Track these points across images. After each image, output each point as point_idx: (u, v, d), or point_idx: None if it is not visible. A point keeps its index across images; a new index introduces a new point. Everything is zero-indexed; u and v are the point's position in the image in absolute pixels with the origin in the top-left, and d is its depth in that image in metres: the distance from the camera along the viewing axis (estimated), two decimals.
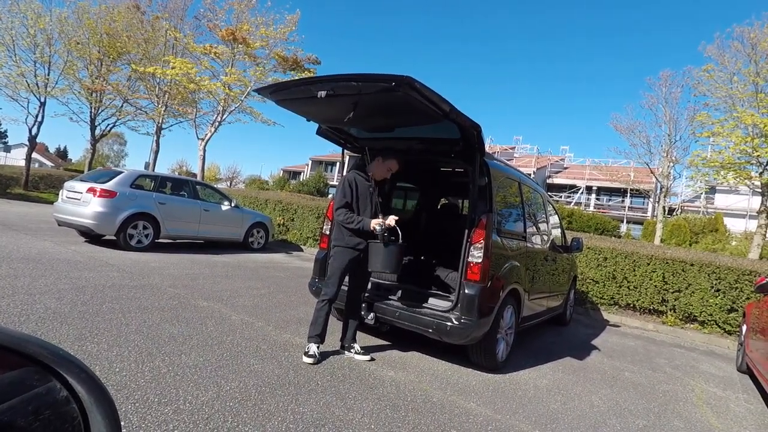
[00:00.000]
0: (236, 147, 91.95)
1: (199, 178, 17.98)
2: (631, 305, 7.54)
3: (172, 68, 16.78)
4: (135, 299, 4.46)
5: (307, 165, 50.09)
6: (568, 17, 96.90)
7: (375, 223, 3.45)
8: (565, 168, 38.72)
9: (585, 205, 32.27)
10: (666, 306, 7.26)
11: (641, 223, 27.44)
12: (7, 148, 36.48)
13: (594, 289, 7.81)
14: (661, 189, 20.23)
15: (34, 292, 4.15)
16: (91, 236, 7.91)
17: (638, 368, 4.82)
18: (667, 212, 21.32)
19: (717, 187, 24.86)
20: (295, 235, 11.71)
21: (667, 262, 7.18)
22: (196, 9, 20.47)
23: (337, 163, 43.75)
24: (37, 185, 20.16)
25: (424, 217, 5.92)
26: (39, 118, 20.63)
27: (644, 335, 6.84)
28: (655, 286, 7.24)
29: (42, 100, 20.41)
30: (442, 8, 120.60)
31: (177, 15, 20.13)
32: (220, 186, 45.96)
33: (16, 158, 40.00)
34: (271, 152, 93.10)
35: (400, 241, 3.54)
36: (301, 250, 11.02)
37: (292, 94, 3.51)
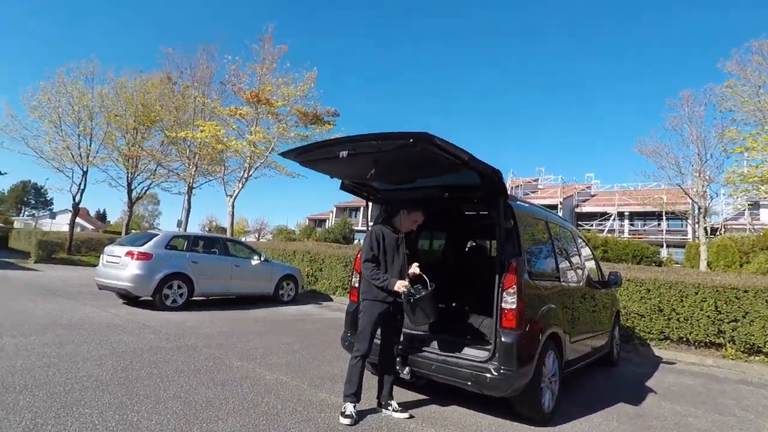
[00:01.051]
0: (262, 199, 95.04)
1: (228, 234, 18.47)
2: (684, 339, 7.05)
3: (202, 131, 17.73)
4: (172, 362, 4.49)
5: (332, 212, 50.88)
6: (581, 41, 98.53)
7: (400, 286, 3.42)
8: (593, 195, 37.89)
9: (619, 232, 31.21)
10: (723, 337, 6.75)
11: (682, 246, 26.18)
12: (53, 215, 38.94)
13: (640, 324, 7.38)
14: (699, 209, 19.40)
15: (77, 359, 4.26)
16: (129, 298, 8.15)
17: (702, 412, 4.43)
18: (709, 233, 20.31)
19: (760, 202, 23.67)
20: (324, 284, 11.73)
21: (717, 290, 6.75)
22: (221, 75, 21.77)
23: (361, 208, 44.30)
24: (79, 249, 21.20)
25: (452, 262, 5.83)
26: (81, 186, 22.06)
27: (704, 372, 6.34)
28: (708, 316, 6.78)
29: (84, 169, 21.88)
30: (461, 39, 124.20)
31: (204, 82, 21.42)
32: (249, 239, 47.07)
33: (61, 223, 42.35)
34: (296, 201, 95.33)
35: (430, 286, 3.48)
36: (331, 300, 10.98)
37: (315, 156, 3.62)
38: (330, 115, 19.28)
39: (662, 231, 30.02)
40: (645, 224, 32.00)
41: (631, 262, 20.15)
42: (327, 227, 41.54)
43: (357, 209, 46.73)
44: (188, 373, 4.18)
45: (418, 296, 3.39)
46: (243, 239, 41.93)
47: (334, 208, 50.44)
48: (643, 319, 7.34)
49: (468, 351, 3.67)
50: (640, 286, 7.40)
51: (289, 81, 18.28)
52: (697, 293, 6.89)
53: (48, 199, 65.15)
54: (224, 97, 20.73)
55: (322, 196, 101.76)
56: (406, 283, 3.43)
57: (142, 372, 4.09)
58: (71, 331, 5.47)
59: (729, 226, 26.11)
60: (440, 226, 6.00)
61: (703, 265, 16.72)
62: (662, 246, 28.83)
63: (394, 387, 3.77)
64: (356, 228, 41.14)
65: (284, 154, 3.85)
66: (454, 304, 4.88)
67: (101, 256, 8.74)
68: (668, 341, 7.20)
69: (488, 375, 3.36)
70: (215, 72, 21.44)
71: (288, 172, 19.90)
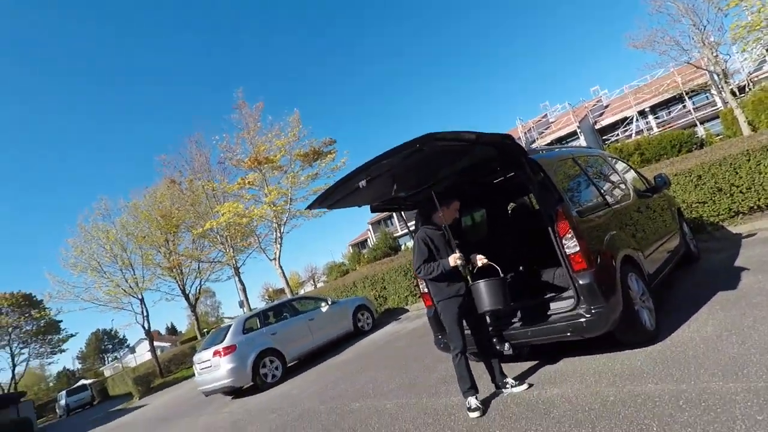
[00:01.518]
0: (302, 247, 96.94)
1: (287, 292, 19.09)
2: (756, 207, 6.82)
3: (222, 215, 18.39)
4: (302, 429, 4.80)
5: (369, 230, 51.36)
6: None
7: (453, 260, 3.48)
8: (607, 106, 36.65)
9: (647, 130, 30.03)
10: None
11: (717, 118, 24.96)
12: (132, 349, 41.47)
13: (706, 210, 7.20)
14: (717, 76, 18.54)
15: None
16: (234, 391, 8.62)
17: None
18: (738, 93, 19.33)
19: None
20: (394, 299, 11.94)
21: (767, 149, 6.52)
22: (216, 156, 22.61)
23: (394, 214, 44.63)
24: (169, 368, 22.39)
25: (502, 230, 5.91)
26: (144, 313, 23.32)
27: None
28: None
29: (139, 297, 23.12)
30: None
31: (204, 169, 22.27)
32: (307, 288, 47.99)
33: (142, 353, 44.72)
34: (334, 234, 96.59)
35: (501, 275, 3.60)
36: (407, 311, 11.18)
37: (337, 196, 3.87)
38: (328, 145, 19.70)
39: (690, 111, 28.64)
40: (670, 112, 30.60)
41: (672, 153, 19.41)
42: (371, 246, 42.00)
43: (390, 217, 47.16)
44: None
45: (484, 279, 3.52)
46: (302, 291, 42.97)
47: (369, 225, 50.95)
48: (706, 205, 7.17)
49: (554, 305, 3.78)
50: (690, 176, 7.24)
51: (277, 132, 18.76)
52: (749, 160, 6.67)
53: (121, 337, 68.84)
54: (227, 174, 21.50)
55: (355, 218, 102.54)
56: (458, 254, 3.49)
57: None
58: None
59: (755, 79, 24.74)
60: (477, 204, 6.09)
61: (745, 128, 15.96)
62: (695, 126, 27.56)
63: (503, 365, 3.91)
64: (397, 235, 41.41)
65: (310, 207, 4.13)
66: (521, 268, 4.98)
67: (194, 366, 9.26)
68: (740, 216, 6.98)
69: (582, 320, 3.47)
70: (209, 156, 22.29)
71: (314, 214, 20.40)
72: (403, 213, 5.03)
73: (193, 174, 22.16)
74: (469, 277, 3.64)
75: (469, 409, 3.46)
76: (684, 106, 28.93)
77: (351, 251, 49.47)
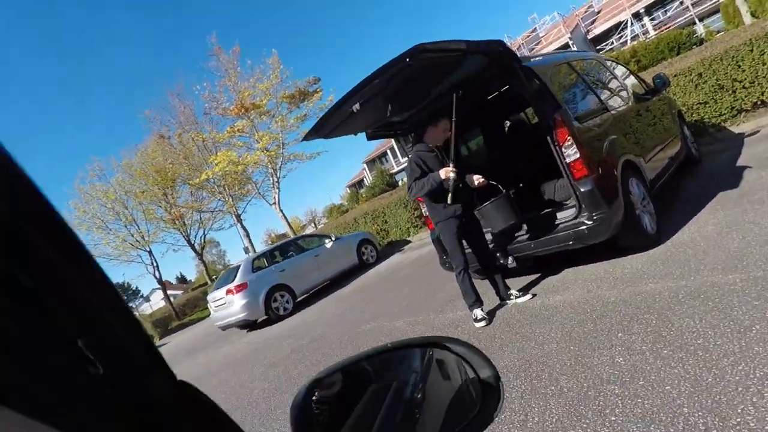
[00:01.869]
0: (301, 192, 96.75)
1: (291, 235, 19.37)
2: (759, 102, 6.63)
3: (217, 164, 18.18)
4: (318, 350, 5.06)
5: (364, 169, 50.98)
6: None
7: (445, 172, 3.38)
8: (599, 12, 34.70)
9: (643, 34, 28.65)
10: None
11: (718, 12, 23.66)
12: (147, 299, 43.09)
13: (706, 111, 7.02)
14: None
15: (267, 382, 4.92)
16: (249, 325, 9.03)
17: None
18: None
19: None
20: (395, 232, 12.11)
21: None
22: (200, 106, 22.00)
23: (388, 151, 44.15)
24: (184, 312, 23.39)
25: (500, 149, 5.80)
26: (154, 264, 23.99)
27: None
28: None
29: (147, 249, 23.68)
30: None
31: (191, 121, 21.86)
32: (309, 230, 48.75)
33: (156, 301, 46.49)
34: (330, 175, 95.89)
35: (503, 191, 3.58)
36: (410, 241, 11.37)
37: (332, 123, 3.73)
38: (313, 84, 18.98)
39: (687, 8, 27.10)
40: (666, 11, 28.97)
41: (670, 57, 18.67)
42: (368, 184, 41.95)
43: (384, 154, 46.62)
44: (338, 347, 4.70)
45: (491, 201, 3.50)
46: (304, 233, 43.63)
47: (365, 165, 50.51)
48: (707, 105, 6.97)
49: (557, 216, 3.78)
50: (690, 74, 6.96)
51: (259, 76, 18.08)
52: (752, 50, 6.37)
53: (135, 289, 70.78)
54: (215, 124, 21.04)
55: (349, 159, 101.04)
56: (450, 167, 3.39)
57: (299, 367, 4.67)
58: (235, 367, 6.26)
59: None
60: (472, 123, 5.89)
61: (747, 19, 15.14)
62: (695, 23, 26.22)
63: (507, 279, 4.01)
64: (393, 171, 41.21)
65: (307, 138, 3.99)
66: (521, 185, 4.95)
67: (209, 305, 9.63)
68: (743, 114, 6.80)
69: (584, 227, 3.48)
70: (193, 107, 21.76)
71: (309, 155, 20.15)
72: (402, 142, 4.88)
73: (180, 127, 21.73)
74: (449, 199, 3.49)
75: (476, 320, 3.60)
76: (681, 2, 27.31)
77: (349, 192, 49.39)
